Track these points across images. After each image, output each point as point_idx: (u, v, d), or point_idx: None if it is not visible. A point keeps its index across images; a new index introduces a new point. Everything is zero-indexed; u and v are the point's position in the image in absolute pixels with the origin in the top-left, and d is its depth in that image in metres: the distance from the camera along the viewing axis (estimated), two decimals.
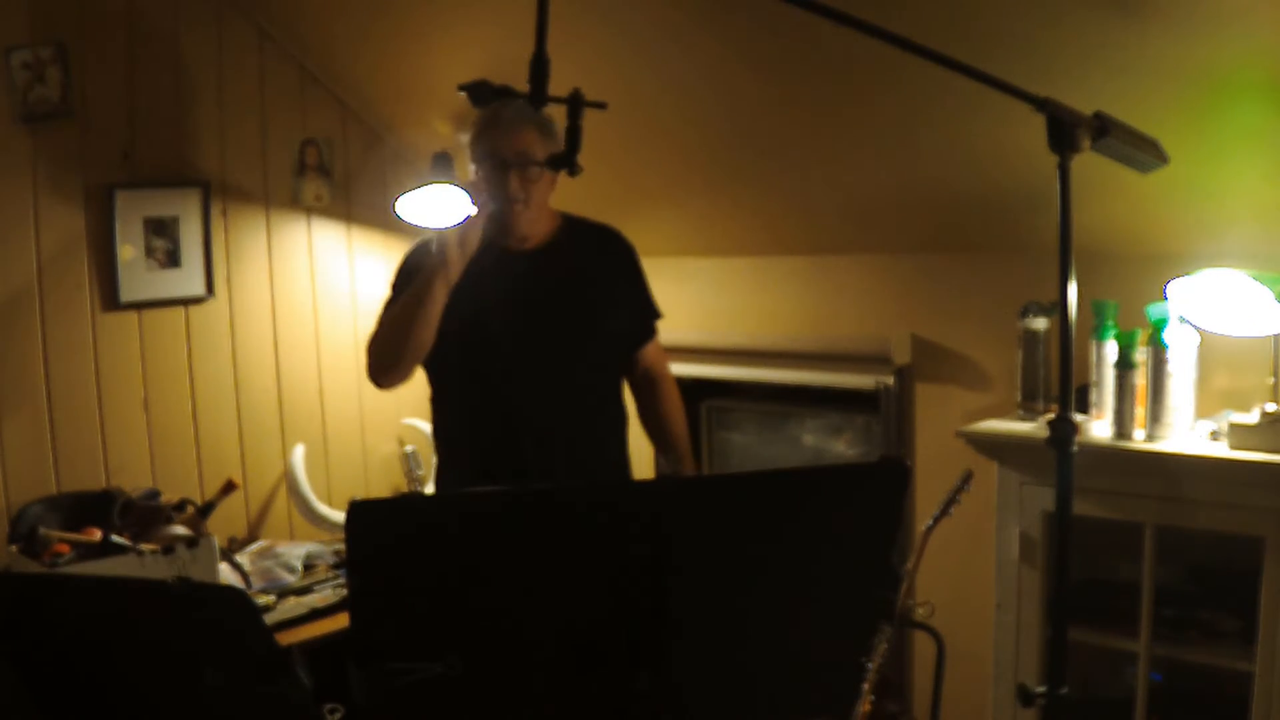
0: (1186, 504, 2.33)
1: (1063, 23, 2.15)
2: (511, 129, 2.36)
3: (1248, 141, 2.22)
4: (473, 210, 2.36)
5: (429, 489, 3.64)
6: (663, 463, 2.69)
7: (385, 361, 2.43)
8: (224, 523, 3.27)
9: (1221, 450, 2.27)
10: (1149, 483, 2.36)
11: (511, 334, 2.44)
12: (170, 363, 3.31)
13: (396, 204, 3.53)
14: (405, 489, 3.68)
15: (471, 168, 2.45)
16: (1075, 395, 2.39)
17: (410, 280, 2.44)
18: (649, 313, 2.65)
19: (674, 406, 2.69)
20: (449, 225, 2.37)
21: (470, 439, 2.53)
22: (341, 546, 3.15)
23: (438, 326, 2.36)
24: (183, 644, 1.31)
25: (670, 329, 3.02)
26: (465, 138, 2.47)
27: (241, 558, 3.13)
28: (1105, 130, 1.51)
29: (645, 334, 2.64)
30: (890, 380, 3.05)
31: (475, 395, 2.48)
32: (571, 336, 2.47)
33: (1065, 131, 1.47)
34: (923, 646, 2.89)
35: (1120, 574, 2.51)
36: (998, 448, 2.59)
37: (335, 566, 3.24)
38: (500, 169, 2.37)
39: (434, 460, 3.72)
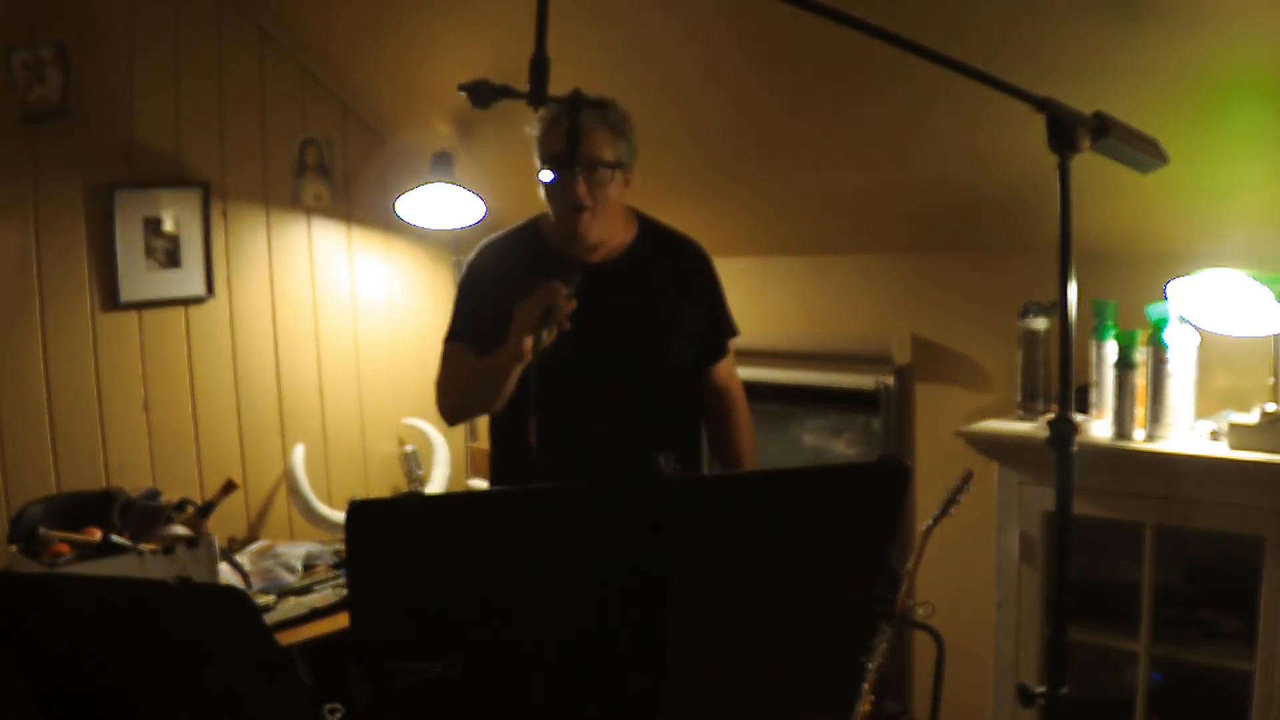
0: (1186, 504, 2.33)
1: (1063, 23, 2.16)
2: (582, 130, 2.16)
3: (1248, 142, 2.22)
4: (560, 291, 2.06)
5: (429, 489, 3.64)
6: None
7: (456, 416, 2.41)
8: (224, 523, 3.27)
9: (1221, 450, 2.27)
10: (1149, 483, 2.36)
11: (570, 355, 2.17)
12: (170, 363, 3.31)
13: (396, 204, 3.54)
14: (405, 489, 3.69)
15: (541, 175, 2.28)
16: (1075, 395, 2.39)
17: (474, 299, 2.36)
18: (724, 330, 2.50)
19: (743, 434, 2.51)
20: (537, 306, 2.05)
21: (524, 462, 2.23)
22: (341, 546, 3.16)
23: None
24: (183, 644, 1.31)
25: None
26: (532, 132, 2.28)
27: (241, 558, 3.13)
28: (1105, 130, 1.51)
29: (716, 353, 2.48)
30: (890, 380, 3.05)
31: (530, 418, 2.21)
32: (633, 363, 2.33)
33: (1065, 131, 1.47)
34: (923, 646, 2.89)
35: (1120, 574, 2.51)
36: (998, 448, 2.59)
37: (335, 566, 3.24)
38: (565, 173, 2.22)
39: (434, 459, 3.73)
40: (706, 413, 2.52)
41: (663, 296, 2.37)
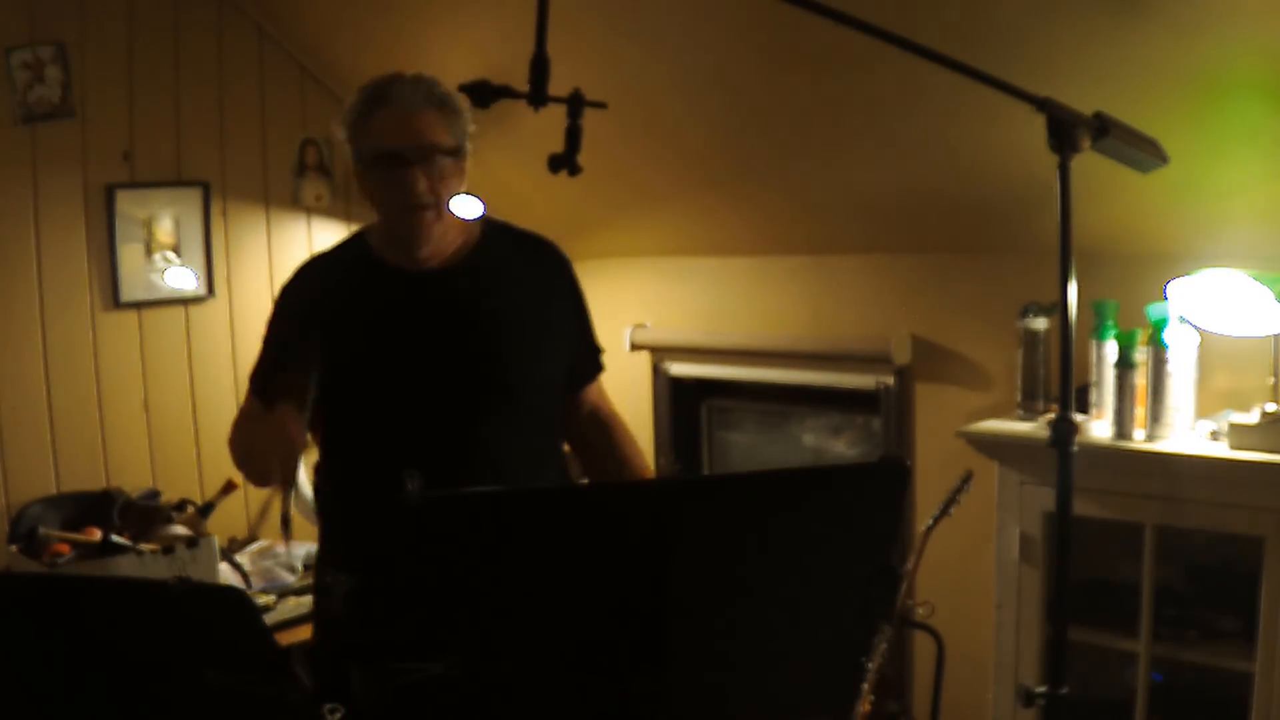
0: (1186, 504, 2.33)
1: (1063, 23, 2.16)
2: (407, 113, 1.85)
3: (1248, 141, 2.22)
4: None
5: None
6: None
7: (254, 475, 2.01)
8: (224, 523, 3.27)
9: (1221, 450, 2.27)
10: (1149, 483, 2.36)
11: (409, 382, 1.90)
12: (170, 363, 3.31)
13: None
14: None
15: (357, 168, 1.93)
16: (1075, 395, 2.38)
17: (275, 344, 2.02)
18: (591, 347, 2.12)
19: (634, 447, 2.15)
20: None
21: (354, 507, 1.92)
22: None
23: (330, 363, 1.86)
24: (183, 644, 1.31)
25: (670, 329, 3.00)
26: (340, 131, 1.96)
27: (241, 558, 3.13)
28: (1105, 130, 1.51)
29: (588, 374, 2.11)
30: (890, 380, 3.05)
31: (368, 453, 1.92)
32: (488, 385, 1.93)
33: (1065, 131, 1.47)
34: (923, 646, 2.89)
35: (1120, 574, 2.51)
36: (998, 448, 2.59)
37: None
38: (399, 167, 1.85)
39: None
40: (583, 442, 2.14)
41: (524, 301, 1.98)
